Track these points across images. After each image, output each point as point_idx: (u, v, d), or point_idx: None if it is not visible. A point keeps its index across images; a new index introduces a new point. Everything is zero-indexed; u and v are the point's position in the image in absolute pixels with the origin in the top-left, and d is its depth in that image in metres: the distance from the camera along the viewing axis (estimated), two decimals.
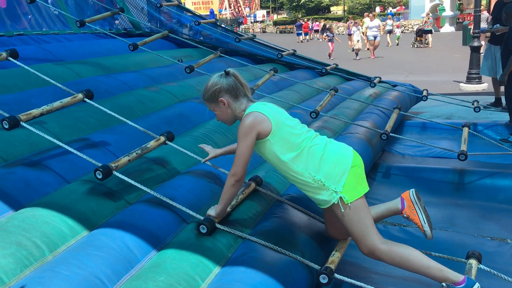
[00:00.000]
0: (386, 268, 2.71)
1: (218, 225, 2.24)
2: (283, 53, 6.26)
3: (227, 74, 2.29)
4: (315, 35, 33.14)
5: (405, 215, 2.41)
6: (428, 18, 21.74)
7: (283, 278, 2.00)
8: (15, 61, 3.15)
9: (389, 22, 23.49)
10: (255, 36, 6.97)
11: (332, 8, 56.48)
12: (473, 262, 2.31)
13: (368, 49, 18.64)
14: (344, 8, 48.87)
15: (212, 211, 2.28)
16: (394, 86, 6.71)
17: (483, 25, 17.86)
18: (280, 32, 46.16)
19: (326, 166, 2.15)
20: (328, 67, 6.21)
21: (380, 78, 6.38)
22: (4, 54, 3.11)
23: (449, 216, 3.44)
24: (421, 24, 22.66)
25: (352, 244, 2.80)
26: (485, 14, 17.88)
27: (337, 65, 6.59)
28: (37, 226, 2.05)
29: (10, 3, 6.08)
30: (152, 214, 2.30)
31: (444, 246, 2.88)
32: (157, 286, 1.80)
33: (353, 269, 2.71)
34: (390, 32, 22.78)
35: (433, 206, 3.54)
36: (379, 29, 18.05)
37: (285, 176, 2.29)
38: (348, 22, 24.55)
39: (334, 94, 4.86)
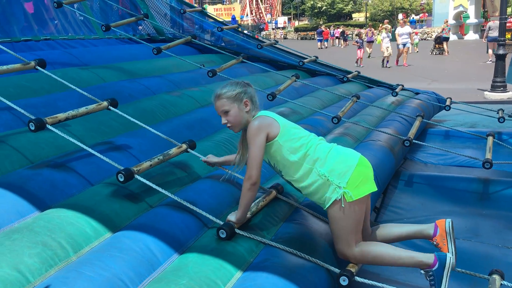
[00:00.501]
0: (407, 277, 2.68)
1: (237, 230, 2.25)
2: (305, 60, 6.26)
3: (248, 84, 2.41)
4: (336, 41, 33.08)
5: (434, 242, 2.38)
6: (446, 26, 21.97)
7: (305, 285, 1.99)
8: (43, 70, 3.23)
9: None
10: (277, 42, 6.98)
11: (354, 15, 56.23)
12: (496, 277, 2.26)
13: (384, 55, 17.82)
14: (366, 15, 48.61)
15: (232, 217, 2.29)
16: (417, 93, 6.64)
17: (496, 33, 17.71)
18: (301, 38, 46.15)
19: (332, 162, 2.20)
20: (349, 75, 6.17)
21: (403, 86, 6.33)
22: (32, 63, 3.20)
23: (473, 226, 3.38)
24: (439, 32, 22.64)
25: None
26: (496, 23, 17.76)
27: (359, 72, 6.55)
28: (62, 227, 2.09)
29: (38, 8, 6.23)
30: (174, 218, 2.32)
31: (468, 257, 2.83)
32: None
33: (373, 277, 2.68)
34: (370, 42, 22.48)
35: (456, 216, 3.49)
36: (410, 36, 17.50)
37: (291, 181, 2.33)
38: (367, 29, 24.28)
39: (356, 101, 4.84)
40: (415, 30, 25.62)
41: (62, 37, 6.19)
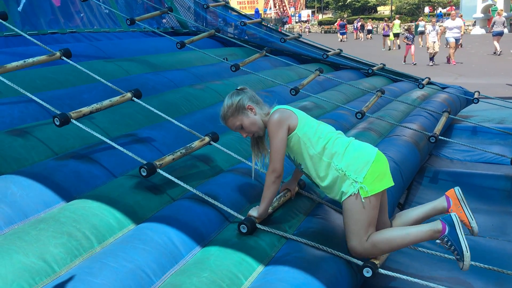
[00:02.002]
0: (432, 274, 2.64)
1: (259, 225, 2.24)
2: (329, 53, 6.19)
3: (241, 89, 2.36)
4: (360, 34, 32.74)
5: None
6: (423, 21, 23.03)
7: (327, 279, 1.98)
8: (68, 60, 3.26)
9: (421, 23, 23.50)
10: (300, 35, 6.93)
11: (379, 8, 55.44)
12: None
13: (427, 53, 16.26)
14: (391, 8, 47.85)
15: (254, 212, 2.29)
16: (443, 88, 6.51)
17: (500, 28, 17.68)
18: (325, 32, 45.72)
19: (349, 157, 2.18)
20: (374, 68, 6.08)
21: (429, 78, 6.20)
22: (58, 54, 3.23)
23: (500, 225, 3.30)
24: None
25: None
26: (501, 19, 17.90)
27: (384, 65, 6.44)
28: (87, 217, 2.11)
29: (64, 1, 6.32)
30: (197, 211, 2.32)
31: (495, 256, 2.77)
32: (201, 282, 1.82)
33: (396, 272, 2.65)
34: (422, 33, 22.20)
35: (483, 214, 3.42)
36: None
37: (309, 175, 2.31)
38: (384, 24, 24.08)
39: (381, 96, 4.77)
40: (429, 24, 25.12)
41: (88, 30, 6.27)
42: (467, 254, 2.09)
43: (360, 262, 2.14)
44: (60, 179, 2.42)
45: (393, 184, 2.24)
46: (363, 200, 2.13)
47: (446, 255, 2.51)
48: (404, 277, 2.08)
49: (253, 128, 2.32)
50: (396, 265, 2.70)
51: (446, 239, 2.12)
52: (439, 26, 16.28)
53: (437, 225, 2.14)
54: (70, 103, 3.55)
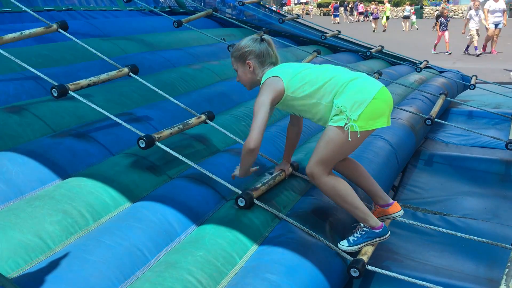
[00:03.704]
0: (424, 256, 2.68)
1: (256, 201, 2.25)
2: (327, 34, 6.15)
3: (262, 40, 2.37)
4: (360, 17, 32.65)
5: (373, 208, 2.43)
6: (445, 5, 23.57)
7: (320, 262, 2.00)
8: (65, 33, 3.22)
9: (407, 8, 24.52)
10: (299, 16, 6.86)
11: None
12: None
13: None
14: None
15: (236, 171, 2.40)
16: (441, 72, 6.49)
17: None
18: (324, 14, 45.31)
19: (348, 93, 2.13)
20: (373, 50, 6.04)
21: (427, 61, 6.18)
22: (54, 26, 3.19)
23: (493, 207, 3.33)
24: (439, 11, 23.06)
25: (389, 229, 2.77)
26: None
27: (382, 47, 6.40)
28: (82, 195, 2.12)
29: None
30: (192, 190, 2.33)
31: (487, 237, 2.77)
32: (195, 261, 1.84)
33: (389, 254, 2.68)
34: (407, 17, 23.53)
35: (476, 197, 3.45)
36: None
37: (312, 120, 2.31)
38: (373, 7, 24.77)
39: (378, 78, 4.75)
40: (413, 10, 25.81)
41: (84, 8, 6.19)
42: (355, 249, 2.19)
43: (349, 258, 2.12)
44: (55, 157, 2.42)
45: (388, 124, 2.20)
46: (349, 135, 2.10)
47: (439, 230, 2.51)
48: (392, 274, 2.07)
49: (243, 80, 2.42)
50: (387, 246, 2.73)
51: (366, 229, 2.20)
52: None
53: (377, 224, 2.21)
54: (66, 81, 3.49)
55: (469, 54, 14.04)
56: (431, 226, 2.50)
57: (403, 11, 23.61)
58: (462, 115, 5.36)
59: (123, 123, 2.51)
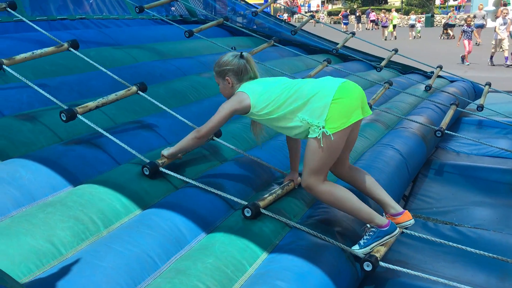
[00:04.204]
0: (435, 266, 2.65)
1: (263, 211, 2.26)
2: (338, 45, 6.16)
3: (241, 56, 2.48)
4: (371, 25, 32.79)
5: (385, 215, 2.41)
6: (453, 14, 24.78)
7: (330, 269, 2.00)
8: (75, 52, 3.29)
9: (413, 17, 25.08)
10: (313, 16, 6.86)
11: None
12: None
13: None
14: None
15: (165, 151, 2.53)
16: (452, 81, 6.46)
17: (480, 21, 17.81)
18: (334, 22, 45.38)
19: (311, 104, 2.19)
20: (382, 63, 6.01)
21: (441, 67, 6.15)
22: (65, 45, 3.27)
23: (505, 218, 3.30)
24: (446, 20, 25.24)
25: (400, 240, 2.76)
26: (482, 12, 18.20)
27: (396, 50, 6.34)
28: (93, 202, 2.14)
29: None
30: (202, 198, 2.34)
31: (499, 248, 2.77)
32: (205, 268, 1.84)
33: (400, 265, 2.66)
34: (412, 26, 24.04)
35: (488, 207, 3.42)
36: None
37: (286, 133, 2.42)
38: (382, 15, 25.59)
39: (388, 88, 4.75)
40: (418, 18, 26.26)
41: (97, 17, 6.27)
42: (367, 250, 2.20)
43: (361, 255, 2.15)
44: (67, 164, 2.45)
45: (365, 115, 2.24)
46: (326, 139, 2.14)
47: (450, 244, 2.49)
48: (406, 270, 2.09)
49: (223, 93, 2.57)
50: (398, 256, 2.72)
51: (374, 229, 2.22)
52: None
53: (383, 222, 2.22)
54: (79, 89, 3.57)
55: (494, 65, 13.57)
56: (442, 240, 2.48)
57: (408, 20, 24.17)
58: (473, 124, 5.33)
59: (118, 142, 2.59)
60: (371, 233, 2.23)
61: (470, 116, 5.46)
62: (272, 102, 2.29)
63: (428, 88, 5.51)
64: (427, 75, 6.59)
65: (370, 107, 4.17)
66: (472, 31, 14.47)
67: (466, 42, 14.20)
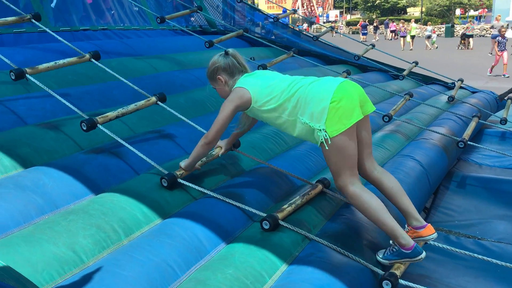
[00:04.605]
0: (457, 281, 2.60)
1: (282, 223, 2.24)
2: (361, 53, 6.14)
3: (226, 54, 2.52)
4: (391, 35, 32.74)
5: (407, 229, 2.36)
6: (470, 24, 25.42)
7: (350, 282, 1.97)
8: (97, 63, 3.35)
9: (429, 28, 25.31)
10: (332, 28, 6.87)
11: (408, 10, 54.66)
12: None
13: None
14: (421, 9, 47.10)
15: (182, 163, 2.54)
16: (474, 92, 6.38)
17: (495, 32, 18.07)
18: (353, 32, 45.34)
19: (311, 106, 2.20)
20: (404, 72, 5.96)
21: (462, 80, 6.08)
22: (87, 56, 3.33)
23: None
24: (464, 30, 25.36)
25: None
26: (499, 23, 18.77)
27: (416, 63, 6.30)
28: (115, 211, 2.15)
29: None
30: (222, 208, 2.34)
31: None
32: (225, 278, 1.84)
33: (421, 278, 2.62)
34: (429, 37, 24.31)
35: (511, 220, 3.34)
36: None
37: (289, 133, 2.39)
38: (401, 25, 25.87)
39: (409, 99, 4.71)
40: (433, 29, 26.43)
41: (118, 27, 6.37)
42: (383, 262, 2.21)
43: (381, 272, 2.11)
44: (89, 172, 2.48)
45: (359, 117, 2.18)
46: (334, 142, 2.14)
47: (474, 255, 2.43)
48: None
49: (221, 95, 2.56)
50: (420, 269, 2.67)
51: (396, 248, 2.18)
52: None
53: (408, 243, 2.15)
54: (100, 98, 3.62)
55: None
56: (466, 252, 2.42)
57: (425, 31, 24.43)
58: (496, 136, 5.24)
59: (137, 152, 2.60)
60: (393, 250, 2.20)
61: (492, 128, 5.38)
62: (275, 98, 2.31)
63: (450, 99, 5.43)
64: (448, 86, 6.52)
65: (391, 118, 4.13)
66: (506, 42, 13.89)
67: (501, 53, 13.60)
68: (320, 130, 2.14)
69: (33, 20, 3.58)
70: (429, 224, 2.37)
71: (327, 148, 2.17)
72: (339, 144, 2.15)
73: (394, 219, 2.21)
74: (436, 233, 2.38)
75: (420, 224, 2.34)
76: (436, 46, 24.56)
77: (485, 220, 3.37)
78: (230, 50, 2.55)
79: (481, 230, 3.24)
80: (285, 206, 2.37)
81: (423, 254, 2.16)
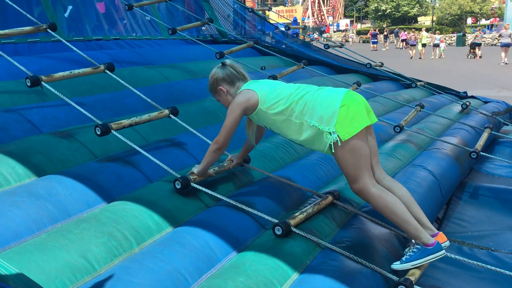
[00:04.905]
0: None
1: (294, 229, 2.24)
2: (371, 64, 6.15)
3: (223, 65, 2.57)
4: (402, 44, 32.80)
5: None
6: (479, 33, 25.42)
7: None
8: (111, 74, 3.40)
9: (437, 36, 25.50)
10: (342, 45, 6.88)
11: (419, 19, 54.60)
12: None
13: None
14: (432, 18, 47.00)
15: (195, 169, 2.55)
16: (486, 102, 6.33)
17: (507, 40, 18.89)
18: (363, 41, 45.35)
19: (318, 110, 2.24)
20: (419, 83, 5.94)
21: (473, 97, 6.07)
22: (102, 67, 3.39)
23: None
24: (473, 38, 25.61)
25: (434, 265, 2.68)
26: (508, 31, 19.32)
27: (426, 83, 6.31)
28: (127, 219, 2.17)
29: (109, 8, 6.52)
30: (233, 217, 2.35)
31: None
32: (236, 286, 1.83)
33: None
34: (437, 45, 24.49)
35: None
36: None
37: (291, 140, 2.43)
38: (411, 34, 26.49)
39: (420, 110, 4.69)
40: (441, 38, 26.41)
41: (130, 37, 6.44)
42: (409, 267, 2.17)
43: (395, 278, 2.10)
44: (102, 181, 2.50)
45: (368, 122, 2.24)
46: (345, 145, 2.18)
47: (488, 267, 2.41)
48: None
49: (225, 105, 2.57)
50: (433, 281, 2.65)
51: (419, 247, 2.19)
52: None
53: (429, 240, 2.19)
54: (112, 107, 3.66)
55: None
56: (479, 263, 2.40)
57: (433, 40, 24.72)
58: (508, 147, 5.18)
59: (152, 158, 2.62)
60: (415, 250, 2.20)
61: (505, 138, 5.32)
62: (282, 100, 2.34)
63: (464, 106, 5.41)
64: (460, 95, 6.48)
65: (402, 128, 4.12)
66: None
67: None
68: (330, 133, 2.18)
69: (49, 30, 3.63)
70: (441, 232, 2.37)
71: (339, 152, 2.19)
72: (353, 145, 2.18)
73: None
74: (448, 241, 2.38)
75: (432, 233, 2.33)
76: (443, 55, 24.72)
77: (499, 231, 3.33)
78: (227, 61, 2.60)
79: (495, 241, 3.20)
80: (297, 214, 2.37)
81: (443, 250, 2.20)
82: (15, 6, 3.61)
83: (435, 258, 2.19)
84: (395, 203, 2.21)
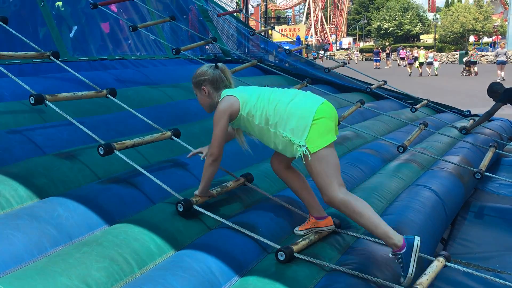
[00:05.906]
0: None
1: (297, 255, 2.22)
2: (372, 86, 6.16)
3: (216, 67, 2.58)
4: (401, 62, 33.02)
5: (308, 220, 2.53)
6: (475, 52, 26.54)
7: None
8: (113, 99, 3.42)
9: (430, 55, 26.12)
10: (345, 64, 6.92)
11: (422, 37, 54.91)
12: None
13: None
14: (434, 37, 47.27)
15: (196, 191, 2.56)
16: (490, 120, 6.31)
17: (501, 58, 19.63)
18: (366, 59, 45.60)
19: (292, 122, 2.30)
20: (418, 106, 5.95)
21: (477, 115, 6.06)
22: (104, 92, 3.43)
23: None
24: (468, 57, 26.27)
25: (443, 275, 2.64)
26: (503, 50, 20.22)
27: (429, 101, 6.31)
28: (128, 242, 2.15)
29: (113, 28, 6.58)
30: (236, 240, 2.32)
31: None
32: None
33: None
34: (430, 64, 25.23)
35: None
36: None
37: (267, 145, 2.50)
38: (408, 53, 27.44)
39: (424, 129, 4.68)
40: (435, 57, 27.31)
41: (135, 57, 6.49)
42: (410, 276, 2.16)
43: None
44: (104, 202, 2.49)
45: (335, 138, 2.34)
46: (314, 156, 2.25)
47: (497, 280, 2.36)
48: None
49: (202, 103, 2.65)
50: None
51: (399, 256, 2.19)
52: None
53: (399, 241, 2.19)
54: (116, 127, 3.66)
55: None
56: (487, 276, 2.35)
57: (427, 58, 25.42)
58: None
59: (154, 179, 2.61)
60: (400, 261, 2.20)
61: (509, 157, 5.29)
62: (259, 110, 2.39)
63: (464, 131, 5.39)
64: (463, 114, 6.47)
65: (405, 148, 4.09)
66: None
67: None
68: (300, 145, 2.26)
69: (52, 58, 3.67)
70: (329, 216, 2.53)
71: (308, 161, 2.27)
72: (322, 154, 2.26)
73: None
74: (333, 226, 2.54)
75: (320, 215, 2.50)
76: (437, 73, 25.31)
77: (505, 252, 3.28)
78: (220, 64, 2.63)
79: (501, 262, 3.15)
80: (299, 240, 2.36)
81: (417, 238, 2.19)
82: (20, 36, 3.63)
83: (417, 253, 2.17)
84: (362, 208, 2.26)
